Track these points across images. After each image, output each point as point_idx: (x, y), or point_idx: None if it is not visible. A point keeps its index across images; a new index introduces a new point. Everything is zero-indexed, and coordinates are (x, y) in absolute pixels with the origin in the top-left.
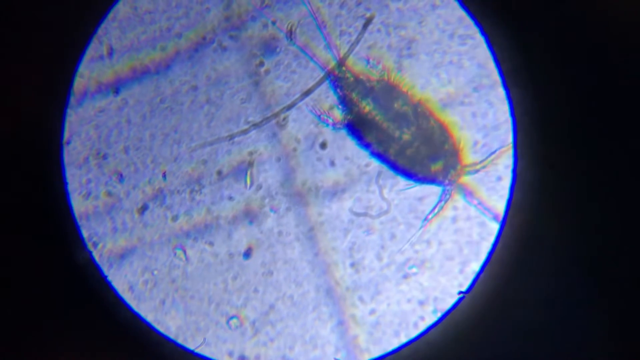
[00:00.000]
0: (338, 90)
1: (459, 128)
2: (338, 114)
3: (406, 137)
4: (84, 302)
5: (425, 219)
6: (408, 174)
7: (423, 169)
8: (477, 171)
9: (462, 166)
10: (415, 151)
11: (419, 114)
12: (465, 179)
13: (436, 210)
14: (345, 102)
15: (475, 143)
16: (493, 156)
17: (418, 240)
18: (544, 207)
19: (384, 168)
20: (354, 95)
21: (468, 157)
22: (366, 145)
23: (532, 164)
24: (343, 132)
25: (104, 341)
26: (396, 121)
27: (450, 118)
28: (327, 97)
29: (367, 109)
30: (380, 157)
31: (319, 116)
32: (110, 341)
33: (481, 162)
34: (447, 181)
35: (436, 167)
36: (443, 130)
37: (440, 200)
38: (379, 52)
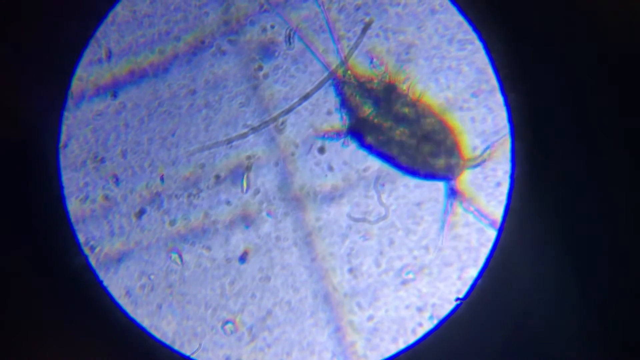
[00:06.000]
0: (340, 93)
1: (458, 123)
2: (338, 122)
3: (407, 138)
4: (79, 306)
5: (443, 220)
6: (411, 172)
7: (425, 166)
8: (478, 165)
9: (464, 160)
10: (416, 150)
11: (419, 113)
12: (466, 176)
13: (449, 209)
14: (346, 105)
15: (474, 148)
16: (491, 149)
17: (417, 246)
18: (539, 213)
19: (388, 167)
20: (355, 98)
21: (468, 151)
22: (368, 147)
23: (529, 169)
24: (348, 141)
25: (99, 345)
26: (397, 123)
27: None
28: (325, 102)
29: (368, 111)
30: (382, 156)
31: (324, 137)
32: (106, 345)
33: (481, 155)
34: (449, 176)
35: (438, 163)
36: (443, 127)
37: (448, 198)
38: (379, 55)
